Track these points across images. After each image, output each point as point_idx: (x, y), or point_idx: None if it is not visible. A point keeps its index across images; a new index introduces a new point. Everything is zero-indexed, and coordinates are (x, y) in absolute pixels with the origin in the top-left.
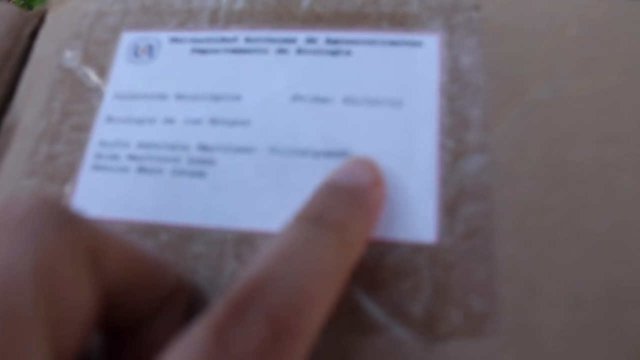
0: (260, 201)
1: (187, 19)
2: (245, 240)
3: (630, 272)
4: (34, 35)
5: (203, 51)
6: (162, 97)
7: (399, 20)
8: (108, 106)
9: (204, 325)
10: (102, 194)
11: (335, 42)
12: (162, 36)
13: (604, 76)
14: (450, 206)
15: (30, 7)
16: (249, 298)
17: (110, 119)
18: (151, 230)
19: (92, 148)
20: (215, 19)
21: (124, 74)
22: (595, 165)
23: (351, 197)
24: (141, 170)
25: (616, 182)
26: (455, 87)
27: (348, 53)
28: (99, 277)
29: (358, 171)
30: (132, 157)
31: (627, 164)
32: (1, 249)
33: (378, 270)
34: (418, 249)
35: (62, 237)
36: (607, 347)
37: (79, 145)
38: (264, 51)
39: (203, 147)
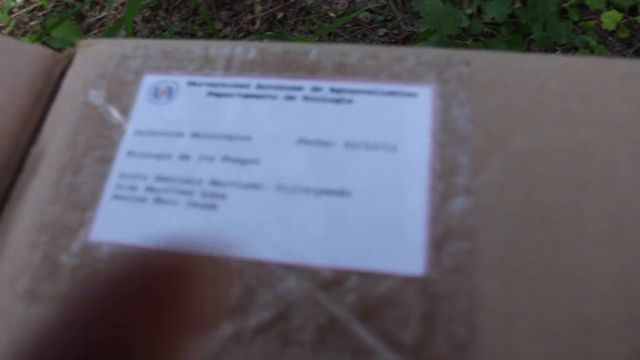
0: (265, 233)
1: (204, 65)
2: (250, 269)
3: (599, 306)
4: (63, 75)
5: (218, 95)
6: (179, 135)
7: (396, 73)
8: (129, 142)
9: None
10: (120, 222)
11: (339, 91)
12: (180, 80)
13: (580, 128)
14: (438, 243)
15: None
16: None
17: (130, 154)
18: (164, 256)
19: (113, 179)
20: (229, 66)
21: (145, 113)
22: (570, 209)
23: None
24: (158, 201)
25: (588, 225)
26: (446, 135)
27: (350, 101)
28: None
29: None
30: (149, 189)
31: (599, 209)
32: None
33: (370, 299)
34: (408, 280)
35: None
36: None
37: (101, 177)
38: (273, 97)
39: (215, 182)
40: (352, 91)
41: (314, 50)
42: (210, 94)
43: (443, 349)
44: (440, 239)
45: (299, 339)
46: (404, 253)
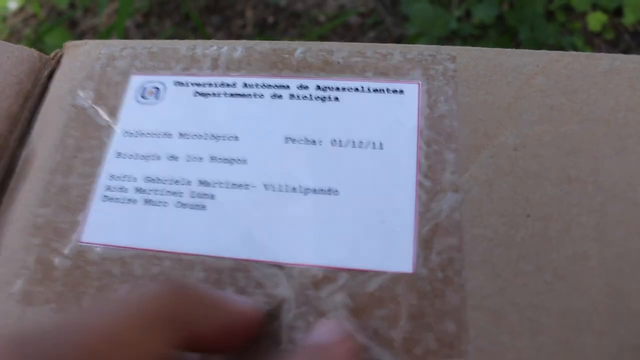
0: (255, 233)
1: (190, 64)
2: (240, 269)
3: (586, 301)
4: (51, 76)
5: (205, 94)
6: (167, 135)
7: (382, 70)
8: (118, 143)
9: None
10: (111, 223)
11: (325, 89)
12: (167, 80)
13: (565, 123)
14: (426, 240)
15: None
16: None
17: (119, 155)
18: (156, 257)
19: (103, 181)
20: (216, 66)
21: (133, 114)
22: (556, 204)
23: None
24: (147, 202)
25: (574, 219)
26: (432, 132)
27: (336, 99)
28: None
29: (322, 332)
30: (139, 190)
31: (584, 203)
32: None
33: (361, 296)
34: (397, 278)
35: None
36: None
37: (91, 178)
38: (260, 96)
39: (203, 182)
40: (338, 89)
41: (300, 49)
42: (197, 93)
43: (432, 345)
44: (428, 235)
45: (291, 337)
46: (392, 251)
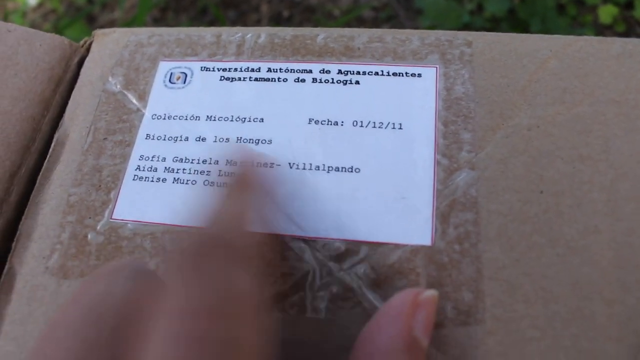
0: (281, 209)
1: (216, 50)
2: (266, 242)
3: (595, 272)
4: (80, 63)
5: (230, 79)
6: (195, 118)
7: (401, 55)
8: (147, 125)
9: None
10: (141, 201)
11: (346, 73)
12: (194, 65)
13: (578, 105)
14: (444, 215)
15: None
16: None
17: (148, 136)
18: (185, 232)
19: (133, 161)
20: (241, 52)
21: (161, 98)
22: (568, 181)
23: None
24: (176, 180)
25: (586, 196)
26: (449, 113)
27: (357, 82)
28: None
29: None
30: (168, 170)
31: (596, 180)
32: None
33: (382, 268)
34: (416, 250)
35: None
36: (574, 335)
37: (122, 159)
38: (283, 80)
39: (231, 162)
40: (358, 73)
41: (322, 35)
42: (223, 78)
43: (450, 313)
44: (446, 211)
45: (314, 306)
46: (412, 225)
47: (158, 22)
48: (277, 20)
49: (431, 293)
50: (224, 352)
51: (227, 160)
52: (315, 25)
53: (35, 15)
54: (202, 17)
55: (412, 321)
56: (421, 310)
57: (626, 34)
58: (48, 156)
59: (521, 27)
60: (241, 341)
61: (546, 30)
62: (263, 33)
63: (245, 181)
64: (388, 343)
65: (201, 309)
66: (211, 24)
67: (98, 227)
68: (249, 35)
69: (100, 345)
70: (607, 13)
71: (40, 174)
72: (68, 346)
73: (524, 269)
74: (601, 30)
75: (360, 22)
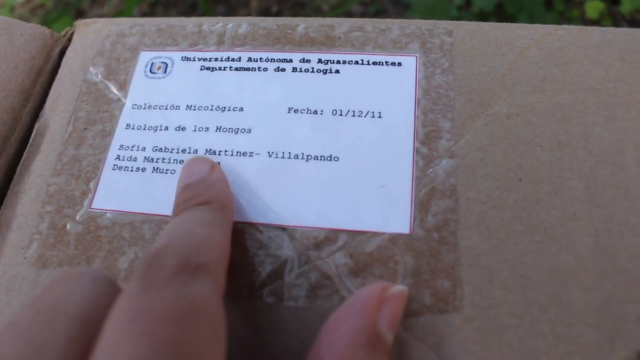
0: (259, 197)
1: (197, 40)
2: (245, 231)
3: (574, 259)
4: (62, 53)
5: (211, 68)
6: (175, 107)
7: (381, 44)
8: (127, 115)
9: (129, 282)
10: (121, 191)
11: (326, 62)
12: (175, 55)
13: (557, 93)
14: (423, 203)
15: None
16: (160, 252)
17: (128, 126)
18: (164, 221)
19: (113, 151)
20: (221, 41)
21: (142, 88)
22: (547, 169)
23: (200, 185)
24: (156, 170)
25: (565, 183)
26: (429, 102)
27: (337, 72)
28: None
29: (196, 168)
30: (147, 159)
31: (575, 167)
32: None
33: (360, 256)
34: (395, 238)
35: None
36: (552, 321)
37: (102, 149)
38: (264, 69)
39: (210, 151)
40: (339, 62)
41: (302, 25)
42: (204, 67)
43: (428, 300)
44: (425, 199)
45: (293, 294)
46: (390, 213)
47: (147, 16)
48: (265, 15)
49: (400, 288)
50: (171, 352)
51: (206, 149)
52: None
53: (23, 10)
54: (192, 13)
55: (377, 314)
56: (388, 304)
57: None
58: (28, 146)
59: (509, 22)
60: (189, 344)
61: None
62: (244, 23)
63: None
64: (350, 334)
65: (151, 311)
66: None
67: (77, 217)
68: (230, 25)
69: (51, 348)
70: (593, 8)
71: (20, 163)
72: (15, 345)
73: (502, 256)
74: (588, 25)
75: (349, 17)
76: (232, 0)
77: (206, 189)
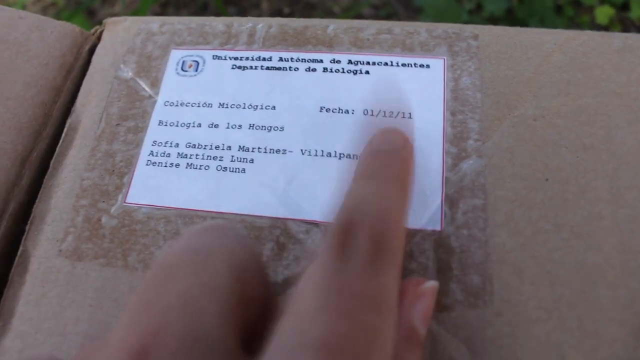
0: (292, 193)
1: (227, 40)
2: (279, 226)
3: (599, 257)
4: (91, 51)
5: (242, 67)
6: (207, 105)
7: (409, 47)
8: (159, 112)
9: (323, 251)
10: (155, 186)
11: (356, 63)
12: (206, 54)
13: (581, 96)
14: (453, 201)
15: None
16: (354, 227)
17: (161, 122)
18: (198, 215)
19: (146, 147)
20: (252, 41)
21: (173, 85)
22: (572, 169)
23: (393, 157)
24: (189, 166)
25: (589, 184)
26: (457, 103)
27: (367, 72)
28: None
29: (390, 136)
30: (181, 155)
31: (599, 169)
32: None
33: None
34: (426, 235)
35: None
36: (579, 316)
37: (134, 145)
38: (295, 69)
39: (243, 148)
40: (369, 63)
41: (332, 26)
42: (235, 66)
43: (459, 295)
44: (455, 197)
45: None
46: (422, 211)
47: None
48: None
49: (432, 284)
50: (368, 340)
51: (239, 146)
52: None
53: (35, 9)
54: (203, 13)
55: (412, 310)
56: (421, 299)
57: None
58: (61, 141)
59: (519, 26)
60: (383, 337)
61: None
62: (274, 23)
63: (401, 168)
64: None
65: (352, 293)
66: None
67: (112, 211)
68: (260, 25)
69: (216, 287)
70: (603, 14)
71: (53, 158)
72: (179, 280)
73: (530, 253)
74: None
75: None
76: (244, 1)
77: (401, 162)
